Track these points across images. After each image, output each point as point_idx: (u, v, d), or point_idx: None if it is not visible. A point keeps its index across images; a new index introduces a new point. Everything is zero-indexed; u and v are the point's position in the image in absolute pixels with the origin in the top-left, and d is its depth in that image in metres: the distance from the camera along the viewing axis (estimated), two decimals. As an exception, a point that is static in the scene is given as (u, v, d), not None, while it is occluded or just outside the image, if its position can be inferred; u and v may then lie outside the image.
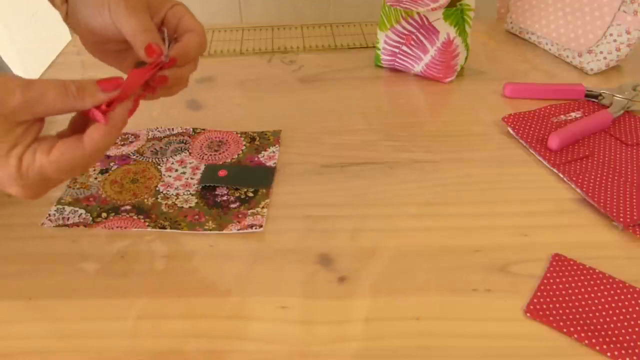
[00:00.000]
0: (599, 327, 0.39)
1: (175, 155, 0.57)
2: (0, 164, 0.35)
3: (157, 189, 0.53)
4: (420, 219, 0.49)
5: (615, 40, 0.68)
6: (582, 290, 0.41)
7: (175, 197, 0.51)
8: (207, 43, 0.45)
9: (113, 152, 0.58)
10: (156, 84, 0.41)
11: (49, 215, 0.50)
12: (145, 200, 0.51)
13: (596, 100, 0.65)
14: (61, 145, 0.36)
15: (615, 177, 0.52)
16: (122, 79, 0.38)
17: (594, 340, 0.37)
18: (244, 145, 0.59)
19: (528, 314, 0.40)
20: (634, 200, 0.49)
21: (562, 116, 0.62)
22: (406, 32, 0.69)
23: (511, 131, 0.60)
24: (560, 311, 0.40)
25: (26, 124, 0.36)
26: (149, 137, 0.60)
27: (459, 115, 0.64)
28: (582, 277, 0.42)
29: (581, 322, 0.39)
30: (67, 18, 0.44)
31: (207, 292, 0.42)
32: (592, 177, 0.52)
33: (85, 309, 0.41)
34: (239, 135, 0.60)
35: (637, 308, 0.40)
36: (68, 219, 0.49)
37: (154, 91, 0.42)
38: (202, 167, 0.55)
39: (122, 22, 0.40)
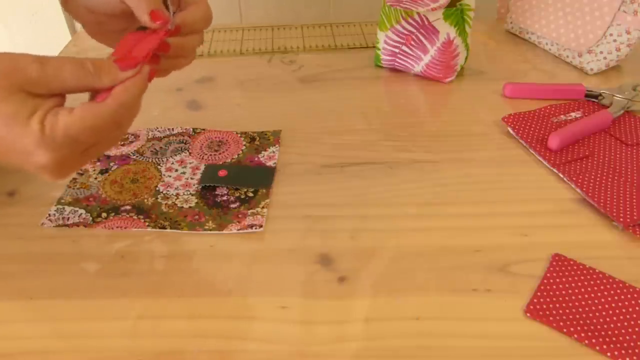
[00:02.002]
0: (599, 327, 0.39)
1: (175, 155, 0.57)
2: (22, 133, 0.33)
3: (157, 189, 0.53)
4: (420, 219, 0.49)
5: (615, 40, 0.68)
6: (582, 290, 0.41)
7: (175, 197, 0.51)
8: (211, 19, 0.44)
9: (113, 152, 0.58)
10: (158, 51, 0.41)
11: (49, 215, 0.50)
12: (145, 200, 0.51)
13: (596, 100, 0.65)
14: (84, 104, 0.35)
15: (615, 177, 0.52)
16: (138, 58, 0.38)
17: (594, 340, 0.37)
18: (244, 145, 0.59)
19: (528, 314, 0.40)
20: (634, 200, 0.49)
21: (562, 116, 0.62)
22: (406, 32, 0.69)
23: (511, 131, 0.60)
24: (560, 311, 0.40)
25: (43, 97, 0.35)
26: (149, 137, 0.60)
27: (459, 115, 0.64)
28: (582, 277, 0.42)
29: (581, 322, 0.39)
30: (66, 3, 0.44)
31: (207, 292, 0.42)
32: (592, 177, 0.52)
33: (85, 309, 0.41)
34: (239, 135, 0.60)
35: (637, 308, 0.40)
36: (68, 219, 0.49)
37: (157, 61, 0.41)
38: (202, 167, 0.55)
39: None
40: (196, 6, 0.42)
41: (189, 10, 0.42)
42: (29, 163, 0.35)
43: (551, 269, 0.43)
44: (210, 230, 0.48)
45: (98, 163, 0.56)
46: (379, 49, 0.73)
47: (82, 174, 0.54)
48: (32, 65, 0.34)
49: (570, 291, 0.41)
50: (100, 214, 0.50)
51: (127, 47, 0.39)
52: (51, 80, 0.34)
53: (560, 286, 0.42)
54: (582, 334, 0.38)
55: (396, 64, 0.72)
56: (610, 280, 0.42)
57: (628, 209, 0.48)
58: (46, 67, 0.34)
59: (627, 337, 0.38)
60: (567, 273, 0.43)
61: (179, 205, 0.51)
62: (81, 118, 0.34)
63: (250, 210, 0.50)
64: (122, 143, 0.59)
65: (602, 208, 0.49)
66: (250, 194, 0.52)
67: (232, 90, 0.70)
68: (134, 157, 0.57)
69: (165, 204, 0.51)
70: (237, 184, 0.53)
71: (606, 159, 0.55)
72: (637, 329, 0.38)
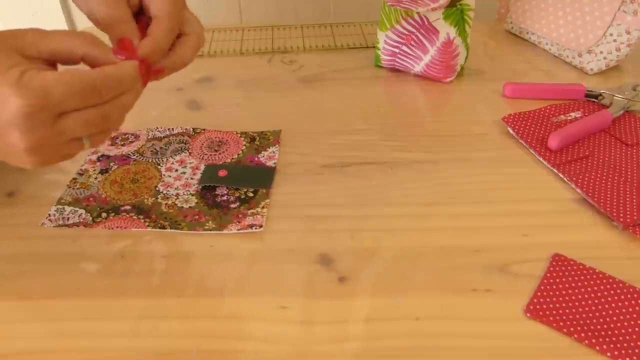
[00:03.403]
0: (599, 327, 0.39)
1: (175, 155, 0.57)
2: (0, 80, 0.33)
3: (157, 189, 0.53)
4: (420, 219, 0.49)
5: (615, 40, 0.68)
6: (582, 290, 0.41)
7: (175, 197, 0.51)
8: (204, 42, 0.45)
9: (113, 152, 0.58)
10: (151, 78, 0.41)
11: (49, 215, 0.50)
12: (145, 200, 0.51)
13: (596, 100, 0.65)
14: (71, 69, 0.35)
15: (615, 177, 0.52)
16: (136, 53, 0.38)
17: (594, 340, 0.37)
18: (244, 145, 0.59)
19: (528, 314, 0.40)
20: (634, 200, 0.49)
21: (562, 116, 0.62)
22: (406, 32, 0.69)
23: (511, 131, 0.60)
24: (560, 311, 0.40)
25: (33, 59, 0.35)
26: (149, 137, 0.60)
27: (459, 115, 0.64)
28: (582, 277, 0.42)
29: (581, 322, 0.39)
30: None
31: (207, 292, 0.42)
32: (592, 177, 0.52)
33: (85, 309, 0.41)
34: (239, 135, 0.60)
35: (637, 308, 0.40)
36: (68, 219, 0.49)
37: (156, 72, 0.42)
38: (202, 167, 0.55)
39: (99, 11, 0.40)
40: (186, 46, 0.43)
41: (177, 53, 0.43)
42: (3, 114, 0.33)
43: (551, 269, 0.43)
44: (210, 230, 0.48)
45: (98, 163, 0.56)
46: (379, 49, 0.73)
47: (82, 174, 0.55)
48: (28, 31, 0.35)
49: (570, 291, 0.41)
50: (100, 214, 0.50)
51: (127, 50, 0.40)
52: (40, 38, 0.34)
53: (560, 286, 0.42)
54: (582, 334, 0.38)
55: (396, 64, 0.72)
56: (610, 280, 0.42)
57: (628, 209, 0.48)
58: (41, 30, 0.34)
59: (627, 337, 0.38)
60: (567, 273, 0.43)
61: (179, 205, 0.51)
62: (60, 74, 0.34)
63: (250, 210, 0.50)
64: (122, 143, 0.59)
65: (602, 208, 0.49)
66: (250, 194, 0.52)
67: (232, 90, 0.70)
68: (134, 157, 0.57)
69: (165, 204, 0.51)
70: (237, 184, 0.53)
71: (606, 159, 0.55)
72: (637, 329, 0.38)
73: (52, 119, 0.35)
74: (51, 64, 0.37)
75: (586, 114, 0.63)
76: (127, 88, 0.38)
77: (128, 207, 0.50)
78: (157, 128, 0.62)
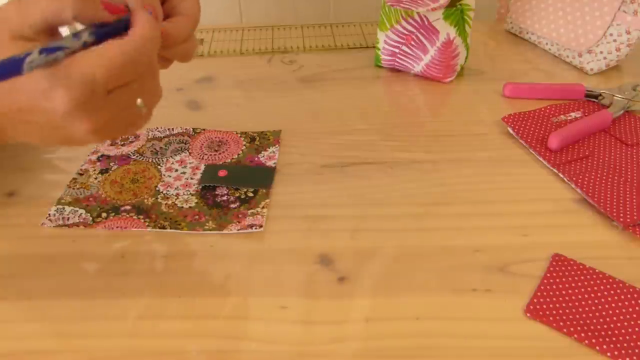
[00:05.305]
0: (599, 327, 0.39)
1: (175, 155, 0.57)
2: (31, 75, 0.31)
3: (157, 189, 0.53)
4: (420, 219, 0.49)
5: (615, 40, 0.68)
6: (582, 290, 0.41)
7: (175, 197, 0.51)
8: (206, 41, 0.44)
9: (113, 152, 0.58)
10: None
11: (49, 215, 0.50)
12: (145, 200, 0.51)
13: (596, 100, 0.65)
14: (103, 47, 0.33)
15: (615, 177, 0.52)
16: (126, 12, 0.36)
17: (594, 340, 0.37)
18: (244, 145, 0.59)
19: (528, 314, 0.40)
20: (634, 200, 0.49)
21: (562, 116, 0.62)
22: (406, 32, 0.69)
23: (511, 131, 0.60)
24: (560, 311, 0.40)
25: (27, 39, 0.33)
26: (149, 137, 0.60)
27: (459, 115, 0.64)
28: (582, 277, 0.42)
29: (581, 322, 0.39)
30: None
31: (207, 292, 0.42)
32: (592, 177, 0.52)
33: (85, 309, 0.41)
34: (239, 135, 0.60)
35: (637, 308, 0.40)
36: (68, 219, 0.49)
37: None
38: (202, 167, 0.55)
39: None
40: (184, 17, 0.41)
41: (175, 22, 0.41)
42: (53, 112, 0.33)
43: (551, 269, 0.43)
44: (210, 230, 0.48)
45: (98, 163, 0.56)
46: (379, 49, 0.73)
47: (82, 174, 0.55)
48: (9, 7, 0.33)
49: (570, 291, 0.41)
50: (100, 214, 0.50)
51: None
52: (28, 12, 0.33)
53: (560, 286, 0.42)
54: (582, 334, 0.38)
55: (396, 64, 0.72)
56: (610, 280, 0.42)
57: (628, 209, 0.48)
58: (19, 3, 0.33)
59: (627, 337, 0.38)
60: (567, 273, 0.43)
61: (179, 205, 0.51)
62: (97, 56, 0.33)
63: (250, 210, 0.50)
64: (122, 143, 0.59)
65: (602, 208, 0.49)
66: (250, 194, 0.52)
67: (232, 90, 0.70)
68: (134, 157, 0.57)
69: (165, 204, 0.51)
70: (237, 184, 0.53)
71: (606, 159, 0.55)
72: (637, 329, 0.38)
73: (103, 99, 0.34)
74: (47, 33, 0.35)
75: (586, 114, 0.63)
76: (157, 46, 0.36)
77: (128, 207, 0.50)
78: (157, 128, 0.62)
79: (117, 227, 0.48)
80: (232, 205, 0.50)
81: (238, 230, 0.48)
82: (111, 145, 0.59)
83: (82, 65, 0.32)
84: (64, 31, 0.36)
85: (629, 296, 0.41)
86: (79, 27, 0.35)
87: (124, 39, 0.34)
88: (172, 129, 0.61)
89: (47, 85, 0.32)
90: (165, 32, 0.40)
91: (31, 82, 0.32)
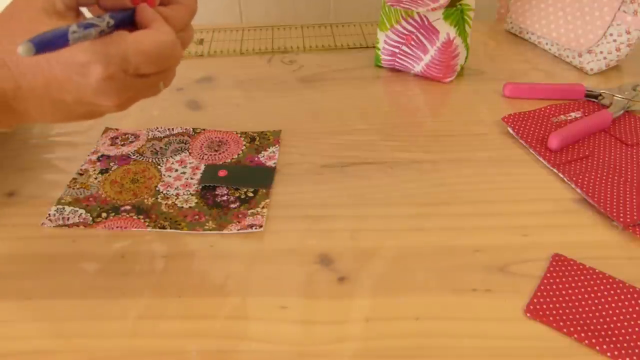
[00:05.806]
0: (599, 327, 0.39)
1: (175, 155, 0.57)
2: (72, 48, 0.32)
3: (157, 189, 0.53)
4: (420, 219, 0.49)
5: (615, 40, 0.68)
6: (582, 290, 0.41)
7: (175, 197, 0.51)
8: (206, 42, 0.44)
9: (113, 152, 0.58)
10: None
11: (49, 215, 0.50)
12: (145, 200, 0.51)
13: (596, 100, 0.65)
14: (143, 34, 0.34)
15: (615, 177, 0.52)
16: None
17: (594, 340, 0.37)
18: (244, 145, 0.59)
19: (528, 314, 0.40)
20: (634, 200, 0.49)
21: (562, 116, 0.62)
22: (406, 32, 0.69)
23: (511, 131, 0.60)
24: (560, 311, 0.40)
25: (61, 15, 0.34)
26: (149, 137, 0.60)
27: (459, 115, 0.64)
28: (582, 277, 0.42)
29: (581, 322, 0.39)
30: None
31: (207, 292, 0.42)
32: (592, 177, 0.52)
33: (85, 309, 0.41)
34: (239, 135, 0.60)
35: (637, 308, 0.40)
36: (68, 219, 0.49)
37: None
38: (202, 167, 0.55)
39: None
40: (182, 6, 0.41)
41: (173, 9, 0.41)
42: (85, 86, 0.34)
43: (551, 269, 0.43)
44: (210, 230, 0.48)
45: (98, 163, 0.56)
46: (379, 49, 0.73)
47: (82, 174, 0.55)
48: None
49: (570, 291, 0.41)
50: (100, 214, 0.50)
51: None
52: None
53: (560, 286, 0.42)
54: (582, 334, 0.38)
55: (396, 64, 0.72)
56: (610, 280, 0.42)
57: (628, 209, 0.48)
58: None
59: (627, 337, 0.38)
60: (567, 273, 0.43)
61: (179, 205, 0.51)
62: (137, 42, 0.34)
63: (250, 210, 0.50)
64: (122, 143, 0.59)
65: (602, 208, 0.49)
66: (250, 194, 0.52)
67: (232, 90, 0.70)
68: (134, 157, 0.57)
69: (165, 204, 0.51)
70: (237, 184, 0.53)
71: (606, 159, 0.55)
72: (637, 329, 0.38)
73: (132, 80, 0.35)
74: (74, 12, 0.36)
75: (586, 114, 0.63)
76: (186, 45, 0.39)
77: (128, 207, 0.50)
78: (157, 128, 0.62)
79: (117, 227, 0.48)
80: (232, 205, 0.50)
81: (238, 230, 0.48)
82: (111, 145, 0.59)
83: (120, 46, 0.33)
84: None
85: (629, 296, 0.41)
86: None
87: (162, 32, 0.35)
88: (172, 129, 0.61)
89: (86, 59, 0.33)
90: (165, 17, 0.40)
91: (70, 55, 0.33)
